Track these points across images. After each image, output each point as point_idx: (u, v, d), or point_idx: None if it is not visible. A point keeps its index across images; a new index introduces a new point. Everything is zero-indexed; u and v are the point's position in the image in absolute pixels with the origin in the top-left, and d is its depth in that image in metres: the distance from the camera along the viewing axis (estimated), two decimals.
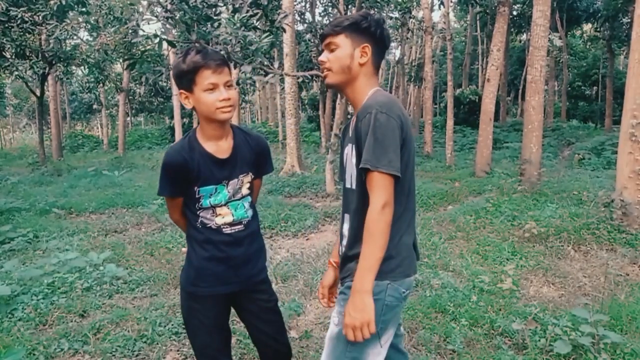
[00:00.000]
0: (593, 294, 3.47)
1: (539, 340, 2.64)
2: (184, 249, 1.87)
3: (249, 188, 1.66)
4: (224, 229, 1.61)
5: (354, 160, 1.42)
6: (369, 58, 1.45)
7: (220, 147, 1.58)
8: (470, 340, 2.73)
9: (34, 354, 2.65)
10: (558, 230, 4.68)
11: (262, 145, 1.70)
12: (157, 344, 2.76)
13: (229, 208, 1.61)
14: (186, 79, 1.49)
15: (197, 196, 1.58)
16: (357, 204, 1.42)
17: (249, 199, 1.68)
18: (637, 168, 4.72)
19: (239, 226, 1.63)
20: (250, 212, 1.67)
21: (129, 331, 2.89)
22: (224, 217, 1.61)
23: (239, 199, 1.63)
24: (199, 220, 1.61)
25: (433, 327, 2.86)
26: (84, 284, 3.63)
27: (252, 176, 1.67)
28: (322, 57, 1.48)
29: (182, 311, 1.71)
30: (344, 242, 1.52)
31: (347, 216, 1.51)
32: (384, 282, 1.38)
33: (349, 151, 1.47)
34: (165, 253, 4.53)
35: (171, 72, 1.59)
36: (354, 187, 1.45)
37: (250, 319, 1.75)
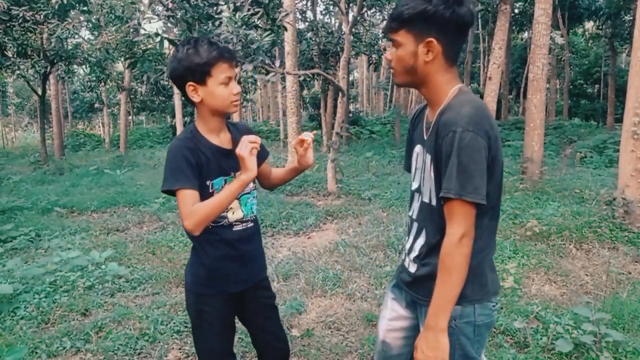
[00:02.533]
0: (595, 293, 3.46)
1: (541, 339, 2.64)
2: None
3: (253, 181, 1.61)
4: (235, 226, 1.59)
5: (432, 175, 1.27)
6: (438, 53, 1.22)
7: (222, 140, 1.57)
8: None
9: (36, 352, 2.66)
10: (560, 228, 4.67)
11: (249, 129, 1.70)
12: (159, 342, 2.77)
13: (239, 202, 1.59)
14: (199, 71, 1.44)
15: (210, 190, 1.52)
16: (438, 222, 1.27)
17: (255, 193, 1.66)
18: (639, 166, 4.70)
19: (249, 223, 1.62)
20: (255, 208, 1.66)
21: (130, 330, 2.90)
22: (234, 213, 1.58)
23: (247, 192, 1.61)
24: (214, 220, 1.54)
25: None
26: (85, 282, 3.64)
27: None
28: (387, 54, 1.31)
29: (191, 315, 1.67)
30: (413, 255, 1.39)
31: (423, 231, 1.36)
32: (471, 307, 1.28)
33: (427, 161, 1.29)
34: (167, 252, 4.53)
35: (174, 65, 1.49)
36: (433, 203, 1.30)
37: (251, 316, 1.74)
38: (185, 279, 1.69)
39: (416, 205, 1.40)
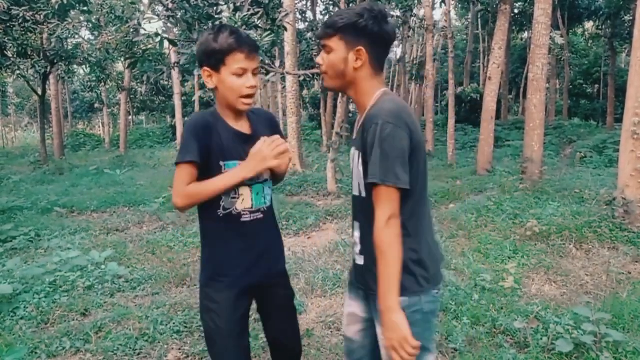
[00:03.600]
0: (595, 293, 3.46)
1: (541, 339, 2.64)
2: None
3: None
4: (243, 216, 1.52)
5: (360, 169, 1.37)
6: (366, 60, 1.34)
7: (242, 125, 1.55)
8: (472, 338, 2.73)
9: (36, 353, 2.65)
10: (560, 228, 4.67)
11: (271, 116, 1.70)
12: (159, 342, 2.77)
13: (250, 190, 1.52)
14: (215, 58, 1.44)
15: (223, 171, 1.47)
16: (369, 212, 1.34)
17: (270, 183, 1.61)
18: (639, 166, 4.70)
19: (258, 214, 1.55)
20: (268, 198, 1.60)
21: (130, 330, 2.89)
22: (244, 201, 1.51)
23: (261, 182, 1.56)
24: (221, 205, 1.50)
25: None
26: (85, 282, 3.64)
27: None
28: (318, 59, 1.41)
29: (201, 316, 1.60)
30: (357, 249, 1.47)
31: (357, 224, 1.46)
32: (417, 297, 1.34)
33: (355, 157, 1.40)
34: (166, 252, 4.53)
35: (197, 47, 1.51)
36: (363, 194, 1.39)
37: (269, 313, 1.69)
38: (199, 280, 1.63)
39: (352, 201, 1.51)
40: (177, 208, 1.47)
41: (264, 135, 1.51)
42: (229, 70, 1.44)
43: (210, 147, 1.45)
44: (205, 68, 1.47)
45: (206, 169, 1.46)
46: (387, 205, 1.26)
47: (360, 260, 1.45)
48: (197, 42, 1.52)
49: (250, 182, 1.52)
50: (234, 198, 1.50)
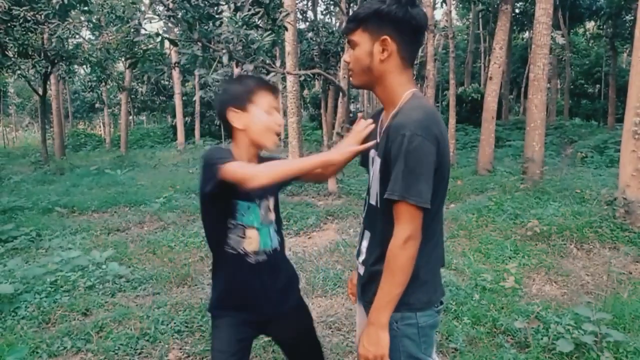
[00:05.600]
0: (596, 293, 3.46)
1: (542, 339, 2.64)
2: None
3: (275, 210, 1.60)
4: (248, 258, 1.51)
5: (378, 177, 1.29)
6: (393, 51, 1.23)
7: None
8: (472, 338, 2.73)
9: (37, 352, 2.66)
10: (560, 228, 4.67)
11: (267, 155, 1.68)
12: (160, 342, 2.77)
13: (258, 233, 1.52)
14: (242, 97, 1.46)
15: (233, 208, 1.48)
16: (381, 225, 1.28)
17: (275, 226, 1.59)
18: None
19: (263, 256, 1.53)
20: (275, 241, 1.58)
21: (131, 329, 2.90)
22: (251, 243, 1.51)
23: (267, 224, 1.55)
24: (229, 244, 1.50)
25: None
26: (86, 282, 3.64)
27: (274, 201, 1.60)
28: (344, 57, 1.37)
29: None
30: (361, 258, 1.40)
31: (367, 233, 1.38)
32: (412, 312, 1.29)
33: (376, 164, 1.31)
34: (167, 251, 4.53)
35: (219, 96, 1.53)
36: (378, 205, 1.31)
37: (284, 344, 1.69)
38: None
39: (365, 207, 1.43)
40: (257, 185, 1.30)
41: None
42: (258, 107, 1.46)
43: (226, 184, 1.37)
44: (232, 108, 1.46)
45: (219, 203, 1.47)
46: (408, 224, 1.18)
47: (360, 270, 1.41)
48: (220, 92, 1.53)
49: (259, 225, 1.52)
50: (242, 238, 1.50)
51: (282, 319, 1.60)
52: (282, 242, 1.62)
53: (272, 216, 1.58)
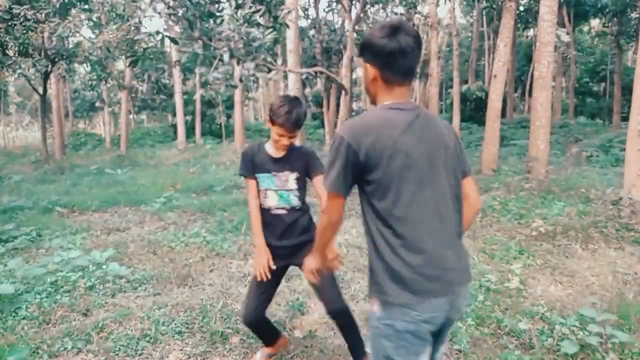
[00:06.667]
0: (601, 293, 3.42)
1: (546, 340, 2.61)
2: None
3: (297, 184, 2.24)
4: (271, 211, 2.26)
5: None
6: (376, 75, 1.45)
7: (276, 153, 2.26)
8: (476, 339, 2.70)
9: (37, 353, 2.64)
10: (565, 228, 4.62)
11: (307, 149, 2.31)
12: (160, 343, 2.75)
13: (276, 194, 2.25)
14: (271, 116, 2.15)
15: (258, 180, 2.26)
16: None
17: (296, 192, 2.26)
18: None
19: (282, 210, 2.26)
20: (294, 202, 2.26)
21: (132, 330, 2.87)
22: (270, 200, 2.25)
23: (286, 190, 2.25)
24: (261, 202, 2.28)
25: None
26: (87, 282, 3.62)
27: (298, 174, 2.23)
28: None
29: None
30: None
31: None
32: (389, 310, 1.37)
33: None
34: (168, 251, 4.51)
35: (272, 103, 2.21)
36: None
37: (301, 267, 2.19)
38: None
39: None
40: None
41: (293, 162, 2.23)
42: (273, 130, 2.17)
43: (253, 165, 2.28)
44: (269, 118, 2.18)
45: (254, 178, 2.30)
46: (325, 201, 1.52)
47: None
48: (274, 103, 2.18)
49: (275, 188, 2.25)
50: (264, 198, 2.28)
51: (302, 251, 2.18)
52: (302, 209, 2.29)
53: (291, 185, 2.25)
